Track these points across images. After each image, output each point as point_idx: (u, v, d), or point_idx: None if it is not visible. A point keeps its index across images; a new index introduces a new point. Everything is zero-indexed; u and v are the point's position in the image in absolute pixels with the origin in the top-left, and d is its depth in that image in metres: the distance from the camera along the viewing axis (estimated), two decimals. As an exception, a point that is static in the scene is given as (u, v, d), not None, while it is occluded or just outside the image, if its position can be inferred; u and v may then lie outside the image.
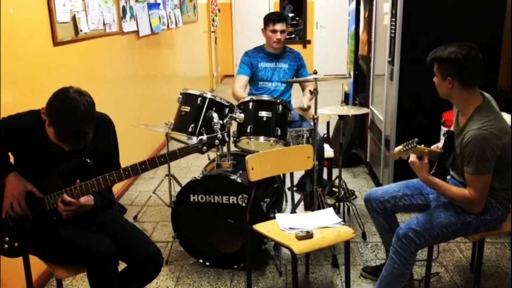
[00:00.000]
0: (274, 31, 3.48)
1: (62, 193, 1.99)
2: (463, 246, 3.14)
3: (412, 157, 2.27)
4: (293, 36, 11.35)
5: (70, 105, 1.84)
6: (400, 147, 2.24)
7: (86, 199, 2.02)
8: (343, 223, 2.45)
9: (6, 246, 2.04)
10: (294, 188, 3.53)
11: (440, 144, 2.45)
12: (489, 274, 2.84)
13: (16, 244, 2.04)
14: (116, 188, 3.70)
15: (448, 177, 2.44)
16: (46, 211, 2.02)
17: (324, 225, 2.41)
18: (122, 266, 2.13)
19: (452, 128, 2.39)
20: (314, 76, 2.98)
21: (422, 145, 2.29)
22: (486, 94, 2.26)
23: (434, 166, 2.33)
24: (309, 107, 3.37)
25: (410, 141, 2.23)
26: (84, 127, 1.87)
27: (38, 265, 2.36)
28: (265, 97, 3.05)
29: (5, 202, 2.00)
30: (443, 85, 2.23)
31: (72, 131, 1.86)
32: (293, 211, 3.14)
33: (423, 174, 2.26)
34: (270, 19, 3.52)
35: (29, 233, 2.04)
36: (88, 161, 2.02)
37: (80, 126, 1.86)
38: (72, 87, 1.90)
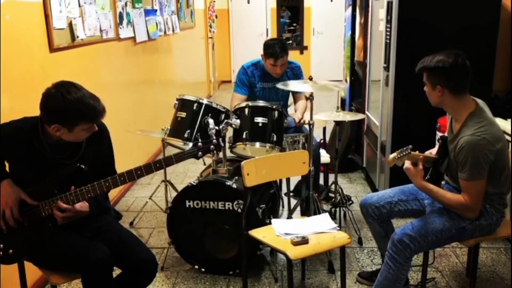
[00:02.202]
0: (274, 66, 3.28)
1: (57, 200, 1.99)
2: (459, 251, 3.14)
3: (407, 164, 2.28)
4: (290, 42, 11.41)
5: (76, 95, 1.90)
6: (394, 154, 2.25)
7: (81, 205, 2.02)
8: (338, 228, 2.45)
9: (1, 253, 2.03)
10: (291, 194, 3.53)
11: (435, 150, 2.46)
12: (485, 279, 2.84)
13: (11, 251, 2.03)
14: (113, 194, 3.71)
15: (443, 182, 2.44)
16: (41, 217, 2.02)
17: (319, 231, 2.41)
18: (117, 271, 2.13)
19: (446, 134, 2.41)
20: (310, 82, 2.98)
21: (417, 151, 2.30)
22: (479, 100, 2.28)
23: (429, 172, 2.34)
24: (303, 121, 3.27)
25: (404, 148, 2.24)
26: (93, 95, 1.97)
27: (33, 271, 2.35)
28: (261, 103, 3.05)
29: None
30: (433, 93, 2.25)
31: (95, 108, 1.94)
32: (289, 216, 3.14)
33: (418, 180, 2.27)
34: (270, 54, 3.22)
35: (24, 240, 2.03)
36: (83, 167, 2.02)
37: (96, 102, 1.95)
38: (50, 89, 1.93)
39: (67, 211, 1.98)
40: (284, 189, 3.61)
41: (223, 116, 2.95)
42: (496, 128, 2.20)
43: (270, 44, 3.28)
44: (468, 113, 2.21)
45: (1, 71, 2.43)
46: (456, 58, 2.16)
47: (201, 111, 2.90)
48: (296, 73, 3.52)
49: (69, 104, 1.88)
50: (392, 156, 2.25)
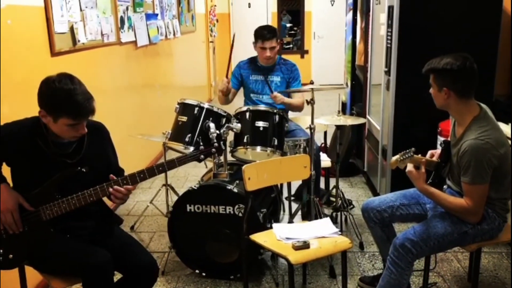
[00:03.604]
0: (263, 49, 3.41)
1: (57, 204, 1.98)
2: (460, 255, 3.13)
3: (409, 167, 2.27)
4: (290, 46, 11.44)
5: (67, 87, 1.87)
6: (397, 156, 2.25)
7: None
8: (340, 233, 2.45)
9: (1, 258, 2.01)
10: (292, 198, 3.52)
11: (435, 151, 2.45)
12: (487, 284, 2.83)
13: (11, 255, 2.02)
14: (113, 198, 3.69)
15: (445, 186, 2.44)
16: (42, 222, 2.01)
17: (321, 235, 2.40)
18: (118, 276, 2.12)
19: (449, 138, 2.40)
20: (310, 86, 2.98)
21: (419, 155, 2.30)
22: (483, 105, 2.27)
23: (431, 176, 2.33)
24: (276, 96, 3.28)
25: (407, 151, 2.24)
26: (88, 94, 1.92)
27: (33, 276, 2.34)
28: (262, 107, 3.06)
29: None
30: (439, 96, 2.25)
31: (81, 105, 1.88)
32: (290, 221, 3.13)
33: (420, 184, 2.26)
34: (259, 35, 3.42)
35: (24, 244, 2.02)
36: (84, 170, 2.01)
37: (86, 101, 1.90)
38: (52, 75, 1.92)
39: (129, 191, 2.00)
40: (285, 193, 3.60)
41: (224, 120, 2.95)
42: (500, 132, 2.19)
43: (260, 28, 3.48)
44: (472, 117, 2.21)
45: (2, 75, 2.43)
46: (464, 61, 2.15)
47: (202, 115, 2.90)
48: (290, 69, 3.55)
49: (54, 92, 1.87)
50: (394, 158, 2.25)
